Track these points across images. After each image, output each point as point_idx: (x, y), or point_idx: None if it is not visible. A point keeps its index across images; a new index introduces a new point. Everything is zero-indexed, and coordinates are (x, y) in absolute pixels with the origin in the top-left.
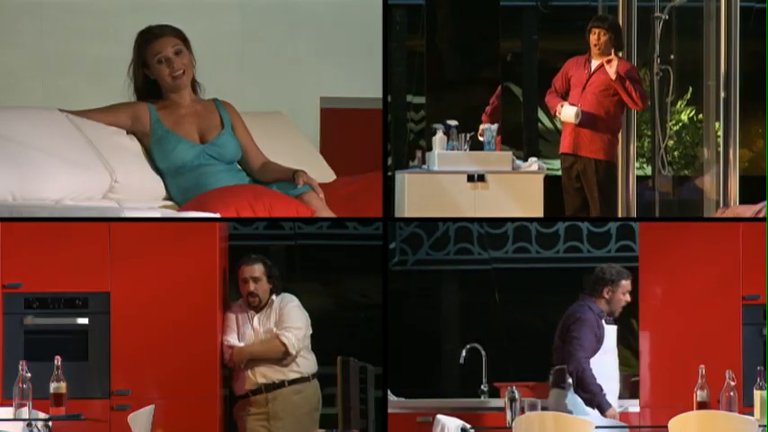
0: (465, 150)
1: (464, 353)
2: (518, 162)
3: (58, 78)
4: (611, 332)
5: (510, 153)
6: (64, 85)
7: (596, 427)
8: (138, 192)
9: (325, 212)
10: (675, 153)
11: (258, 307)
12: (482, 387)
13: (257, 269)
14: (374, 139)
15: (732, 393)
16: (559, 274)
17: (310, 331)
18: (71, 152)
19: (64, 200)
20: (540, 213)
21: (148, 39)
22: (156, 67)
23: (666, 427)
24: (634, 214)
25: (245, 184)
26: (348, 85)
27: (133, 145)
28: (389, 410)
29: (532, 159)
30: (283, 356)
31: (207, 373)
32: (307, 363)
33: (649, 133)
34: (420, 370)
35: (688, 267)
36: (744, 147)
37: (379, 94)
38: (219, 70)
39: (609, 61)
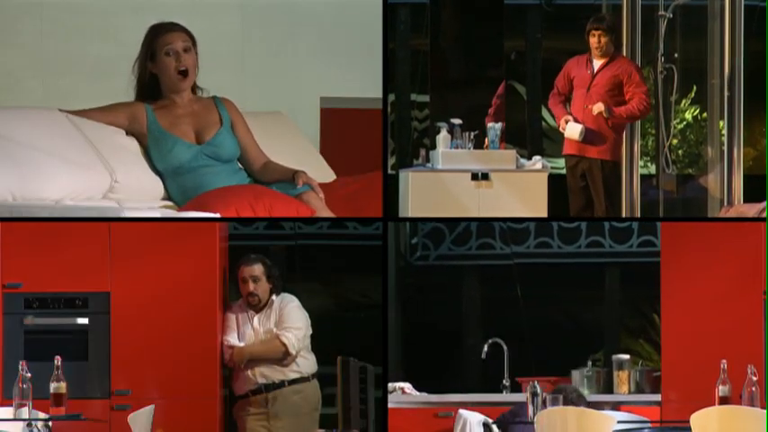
0: (469, 149)
1: (486, 348)
2: (522, 160)
3: (58, 78)
4: None
5: (514, 152)
6: (64, 85)
7: (618, 422)
8: (138, 192)
9: (325, 212)
10: (680, 152)
11: (258, 307)
12: (504, 382)
13: (257, 269)
14: (374, 139)
15: (754, 388)
16: (581, 268)
17: (310, 331)
18: (71, 152)
19: (64, 200)
20: (544, 212)
21: (159, 31)
22: (163, 59)
23: (688, 422)
24: (638, 213)
25: (245, 185)
26: (348, 85)
27: (133, 145)
28: (412, 405)
29: (536, 158)
30: (283, 356)
31: (207, 373)
32: (307, 363)
33: (653, 132)
34: (442, 365)
35: (710, 263)
36: (748, 145)
37: (379, 93)
38: (219, 70)
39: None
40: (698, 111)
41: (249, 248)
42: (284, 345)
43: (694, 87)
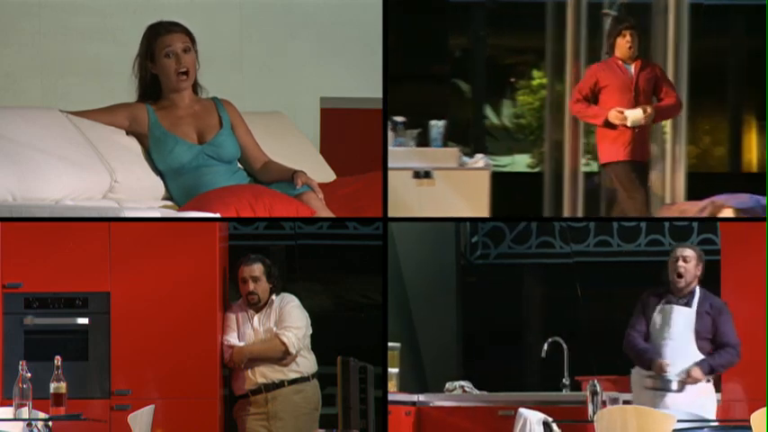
0: (412, 147)
1: (546, 346)
2: (465, 158)
3: (58, 78)
4: None
5: (457, 150)
6: (63, 85)
7: (678, 421)
8: (138, 192)
9: (325, 212)
10: None
11: (258, 307)
12: (564, 381)
13: (257, 269)
14: (374, 139)
15: None
16: (641, 267)
17: (310, 331)
18: (71, 152)
19: (64, 200)
20: (485, 210)
21: (159, 32)
22: (163, 60)
23: (748, 420)
24: (580, 212)
25: (244, 184)
26: (348, 85)
27: (133, 145)
28: (473, 404)
29: (479, 156)
30: (283, 356)
31: (207, 373)
32: (307, 363)
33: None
34: (502, 363)
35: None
36: (691, 143)
37: (379, 93)
38: (219, 70)
39: (645, 111)
40: None
41: (249, 248)
42: (284, 344)
43: None
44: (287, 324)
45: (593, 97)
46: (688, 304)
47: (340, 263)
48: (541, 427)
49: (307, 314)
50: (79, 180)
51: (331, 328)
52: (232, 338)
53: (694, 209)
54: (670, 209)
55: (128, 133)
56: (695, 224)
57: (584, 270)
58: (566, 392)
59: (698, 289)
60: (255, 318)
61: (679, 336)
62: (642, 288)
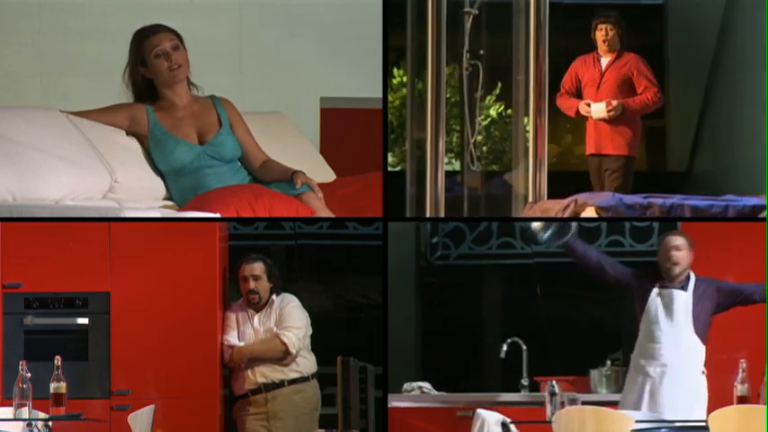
0: None
1: (505, 347)
2: None
3: (57, 78)
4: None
5: None
6: (63, 85)
7: (636, 421)
8: (138, 192)
9: (325, 212)
10: (484, 148)
11: (258, 306)
12: (522, 381)
13: (258, 267)
14: (374, 139)
15: None
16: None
17: (310, 331)
18: (71, 152)
19: (64, 200)
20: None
21: (145, 35)
22: (154, 62)
23: (706, 421)
24: (442, 212)
25: (244, 184)
26: (348, 85)
27: (133, 145)
28: (431, 405)
29: None
30: (283, 356)
31: (207, 373)
32: (307, 363)
33: (458, 128)
34: (460, 364)
35: (730, 260)
36: (552, 142)
37: (379, 93)
38: (219, 71)
39: (610, 110)
40: (503, 107)
41: (249, 248)
42: (284, 344)
43: (499, 84)
44: (287, 324)
45: (577, 91)
46: (684, 288)
47: (340, 263)
48: (499, 427)
49: (307, 314)
50: (79, 180)
51: (331, 328)
52: (232, 338)
53: (557, 207)
54: (532, 207)
55: (128, 133)
56: (656, 226)
57: (544, 271)
58: (524, 393)
59: (691, 274)
60: (255, 317)
61: (676, 320)
62: (604, 290)
